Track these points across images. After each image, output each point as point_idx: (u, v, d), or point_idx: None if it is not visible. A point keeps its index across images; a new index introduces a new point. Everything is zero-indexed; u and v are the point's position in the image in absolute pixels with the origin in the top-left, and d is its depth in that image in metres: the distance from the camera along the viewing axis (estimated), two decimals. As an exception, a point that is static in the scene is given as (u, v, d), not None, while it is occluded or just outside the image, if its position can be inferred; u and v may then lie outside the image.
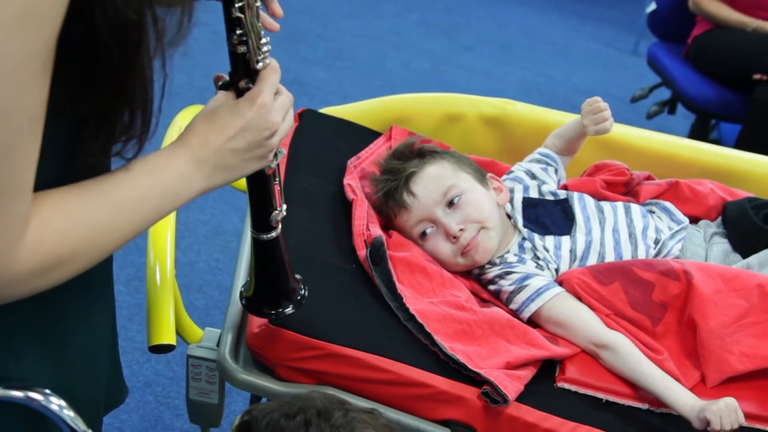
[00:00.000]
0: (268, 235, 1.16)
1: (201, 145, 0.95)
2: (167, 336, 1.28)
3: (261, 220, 1.15)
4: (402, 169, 1.65)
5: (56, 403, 0.95)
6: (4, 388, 0.92)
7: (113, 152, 0.89)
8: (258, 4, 0.98)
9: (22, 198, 0.76)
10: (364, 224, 1.56)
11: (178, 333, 1.35)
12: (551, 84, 4.68)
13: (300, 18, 4.85)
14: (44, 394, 0.94)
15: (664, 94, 3.75)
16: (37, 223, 0.79)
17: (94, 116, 0.84)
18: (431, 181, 1.63)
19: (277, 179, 1.13)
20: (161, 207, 0.93)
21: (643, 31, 4.50)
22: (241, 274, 1.49)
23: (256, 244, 1.18)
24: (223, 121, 0.97)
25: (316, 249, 1.50)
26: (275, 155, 1.06)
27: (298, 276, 1.29)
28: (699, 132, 3.44)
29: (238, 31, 0.97)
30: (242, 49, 0.98)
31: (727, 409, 1.30)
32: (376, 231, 1.55)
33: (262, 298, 1.26)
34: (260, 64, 1.00)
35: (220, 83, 1.03)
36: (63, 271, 0.84)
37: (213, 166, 0.96)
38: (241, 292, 1.28)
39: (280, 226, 1.17)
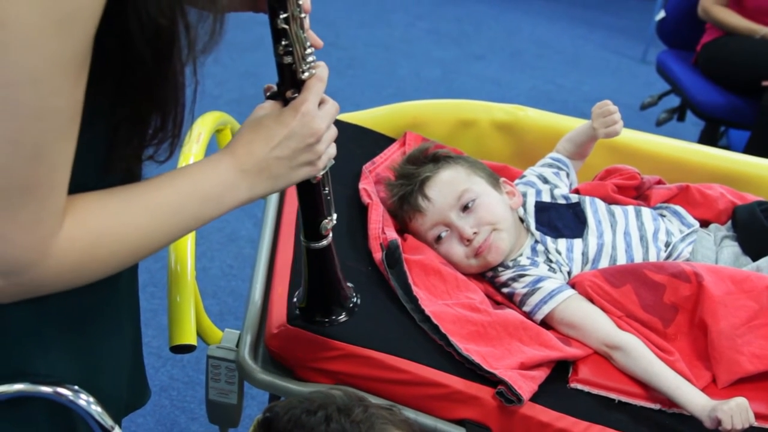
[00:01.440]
0: (318, 244, 1.18)
1: (246, 153, 0.97)
2: (189, 336, 1.29)
3: (311, 229, 1.16)
4: (416, 174, 1.67)
5: (84, 399, 0.97)
6: (32, 384, 0.93)
7: (145, 156, 0.92)
8: (303, 15, 1.00)
9: (55, 194, 0.78)
10: (380, 228, 1.58)
11: (198, 334, 1.36)
12: (561, 92, 4.70)
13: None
14: (72, 390, 0.96)
15: (674, 101, 3.76)
16: (72, 222, 0.81)
17: (127, 121, 0.86)
18: (445, 186, 1.65)
19: (326, 188, 1.14)
20: (200, 214, 0.94)
21: (652, 38, 4.52)
22: (260, 279, 1.51)
23: (307, 252, 1.20)
24: (268, 130, 0.99)
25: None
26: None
27: (350, 284, 1.30)
28: (708, 139, 3.45)
29: (283, 42, 0.99)
30: (288, 59, 1.00)
31: (738, 408, 1.31)
32: (392, 234, 1.57)
33: (315, 307, 1.27)
34: (306, 74, 1.02)
35: (269, 93, 1.05)
36: (97, 270, 0.86)
37: (257, 175, 0.98)
38: (294, 302, 1.30)
39: (330, 235, 1.18)
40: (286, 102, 1.03)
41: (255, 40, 4.34)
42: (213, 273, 2.81)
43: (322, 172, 1.09)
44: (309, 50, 1.02)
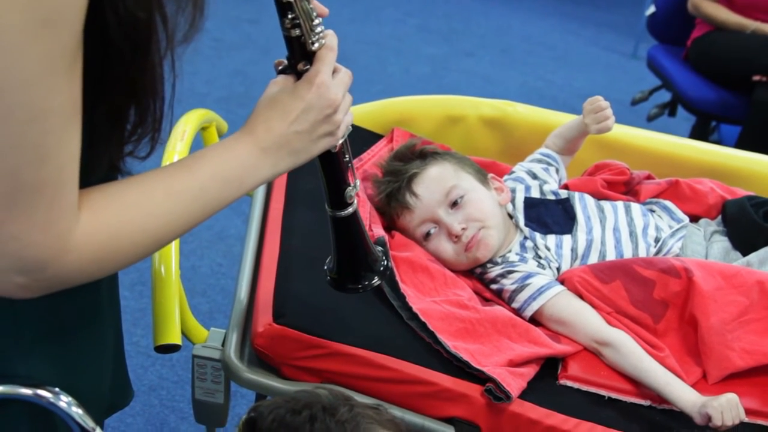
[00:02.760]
0: (345, 212, 1.17)
1: (265, 131, 0.97)
2: (173, 336, 1.28)
3: (336, 198, 1.16)
4: (404, 171, 1.66)
5: (65, 401, 0.96)
6: (12, 385, 0.93)
7: (125, 152, 0.91)
8: None
9: (66, 191, 0.78)
10: (367, 225, 1.57)
11: (184, 333, 1.36)
12: (552, 88, 4.69)
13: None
14: (53, 392, 0.95)
15: (664, 96, 3.76)
16: (89, 216, 0.81)
17: (106, 116, 0.85)
18: (433, 182, 1.64)
19: (347, 156, 1.14)
20: (222, 196, 0.94)
21: (643, 34, 4.52)
22: (245, 277, 1.50)
23: (334, 222, 1.19)
24: (284, 106, 0.98)
25: (320, 250, 1.49)
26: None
27: (379, 248, 1.30)
28: (699, 134, 3.45)
29: (290, 15, 0.98)
30: (296, 32, 0.99)
31: (728, 404, 1.31)
32: (379, 231, 1.56)
33: (346, 275, 1.27)
34: (315, 45, 1.01)
35: (280, 68, 1.04)
36: (120, 259, 0.86)
37: (278, 152, 0.98)
38: (325, 270, 1.29)
39: (355, 202, 1.18)
40: (298, 75, 1.02)
41: (243, 38, 4.32)
42: (203, 271, 2.80)
43: (341, 141, 1.09)
44: (317, 21, 1.01)
